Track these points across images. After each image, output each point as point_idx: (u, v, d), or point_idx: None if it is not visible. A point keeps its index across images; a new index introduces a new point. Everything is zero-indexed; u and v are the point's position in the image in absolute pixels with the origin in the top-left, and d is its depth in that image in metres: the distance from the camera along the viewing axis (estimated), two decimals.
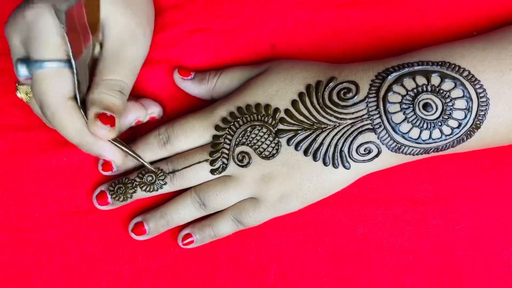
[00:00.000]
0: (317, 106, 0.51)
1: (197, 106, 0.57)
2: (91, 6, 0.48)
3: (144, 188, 0.54)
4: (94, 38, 0.49)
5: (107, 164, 0.56)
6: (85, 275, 0.57)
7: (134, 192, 0.55)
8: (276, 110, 0.51)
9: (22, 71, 0.47)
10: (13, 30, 0.48)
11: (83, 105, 0.48)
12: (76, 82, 0.47)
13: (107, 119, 0.48)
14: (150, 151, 0.55)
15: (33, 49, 0.47)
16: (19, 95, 0.49)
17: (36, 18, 0.46)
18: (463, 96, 0.48)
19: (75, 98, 0.48)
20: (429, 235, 0.55)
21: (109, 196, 0.55)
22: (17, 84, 0.50)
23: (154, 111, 0.56)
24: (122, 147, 0.50)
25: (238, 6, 0.57)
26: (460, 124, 0.48)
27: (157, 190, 0.54)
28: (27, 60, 0.47)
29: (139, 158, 0.52)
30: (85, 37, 0.47)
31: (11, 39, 0.49)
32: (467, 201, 0.55)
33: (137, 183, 0.54)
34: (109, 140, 0.49)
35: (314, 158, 0.51)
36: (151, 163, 0.55)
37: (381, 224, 0.56)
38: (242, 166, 0.52)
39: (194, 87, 0.57)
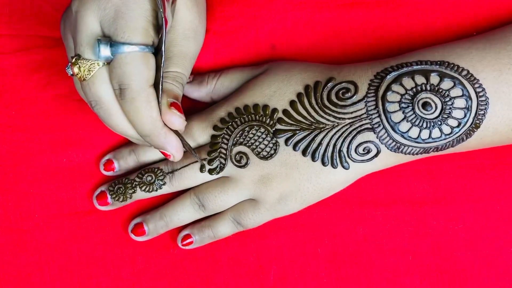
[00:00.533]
0: (316, 106, 0.51)
1: (198, 109, 0.57)
2: None
3: (143, 188, 0.54)
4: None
5: (109, 164, 0.56)
6: (84, 276, 0.57)
7: (134, 192, 0.55)
8: (274, 110, 0.51)
9: (105, 52, 0.45)
10: (90, 7, 0.46)
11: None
12: (162, 70, 0.47)
13: (179, 108, 0.48)
14: (152, 152, 0.55)
15: (121, 31, 0.45)
16: (77, 71, 0.47)
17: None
18: (462, 95, 0.48)
19: (154, 86, 0.47)
20: (428, 235, 0.55)
21: (109, 197, 0.56)
22: (75, 60, 0.48)
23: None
24: (184, 142, 0.50)
25: (238, 7, 0.57)
26: (459, 123, 0.48)
27: (156, 190, 0.54)
28: (110, 42, 0.46)
29: (196, 156, 0.52)
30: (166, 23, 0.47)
31: (87, 16, 0.46)
32: (466, 201, 0.55)
33: (136, 183, 0.55)
34: (176, 134, 0.49)
35: (313, 158, 0.50)
36: (152, 164, 0.55)
37: (381, 224, 0.56)
38: (240, 167, 0.52)
39: (193, 90, 0.57)
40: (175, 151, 0.49)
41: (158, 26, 0.47)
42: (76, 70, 0.47)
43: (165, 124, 0.48)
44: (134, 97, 0.46)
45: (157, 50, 0.47)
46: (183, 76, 0.51)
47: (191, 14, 0.51)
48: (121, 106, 0.47)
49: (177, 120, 0.48)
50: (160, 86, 0.47)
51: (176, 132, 0.49)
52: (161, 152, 0.50)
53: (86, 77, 0.47)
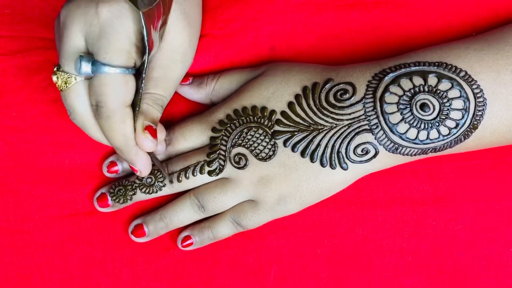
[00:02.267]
0: (314, 108, 0.51)
1: (198, 111, 0.57)
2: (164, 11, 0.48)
3: (143, 190, 0.54)
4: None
5: (112, 166, 0.57)
6: (85, 277, 0.57)
7: (134, 194, 0.55)
8: (272, 112, 0.51)
9: (86, 68, 0.46)
10: (78, 21, 0.46)
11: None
12: (141, 91, 0.47)
13: (153, 132, 0.49)
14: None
15: (103, 52, 0.45)
16: (55, 80, 0.48)
17: (112, 18, 0.45)
18: (460, 96, 0.48)
19: (132, 106, 0.48)
20: (428, 235, 0.55)
21: (109, 198, 0.56)
22: (56, 69, 0.48)
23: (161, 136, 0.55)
24: (153, 160, 0.52)
25: (237, 10, 0.57)
26: (457, 124, 0.48)
27: (156, 192, 0.54)
28: (92, 60, 0.46)
29: (166, 174, 0.54)
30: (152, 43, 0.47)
31: (73, 30, 0.47)
32: (466, 201, 0.55)
33: (136, 185, 0.55)
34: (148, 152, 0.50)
35: (312, 159, 0.51)
36: (153, 165, 0.56)
37: (380, 225, 0.56)
38: (239, 168, 0.52)
39: (193, 92, 0.57)
40: (143, 168, 0.51)
41: (143, 49, 0.47)
42: (55, 79, 0.48)
43: None
44: (109, 116, 0.47)
45: (139, 72, 0.47)
46: (164, 98, 0.52)
47: (182, 37, 0.51)
48: (97, 120, 0.48)
49: (148, 144, 0.49)
50: (137, 108, 0.48)
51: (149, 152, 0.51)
52: (129, 166, 0.51)
53: (63, 89, 0.48)
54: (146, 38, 0.45)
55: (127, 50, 0.46)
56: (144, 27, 0.44)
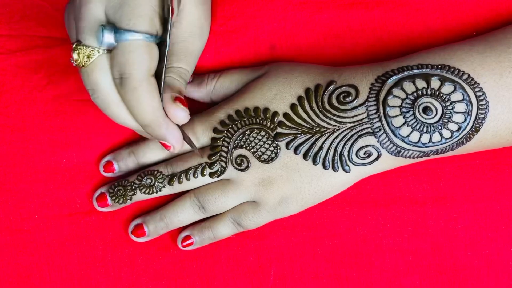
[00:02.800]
0: (317, 110, 0.51)
1: (198, 109, 0.57)
2: None
3: (143, 191, 0.54)
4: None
5: (108, 166, 0.56)
6: (84, 277, 0.57)
7: (134, 194, 0.55)
8: (275, 113, 0.51)
9: (108, 38, 0.45)
10: None
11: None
12: (166, 59, 0.47)
13: (183, 101, 0.48)
14: (152, 153, 0.55)
15: (126, 18, 0.45)
16: (76, 57, 0.47)
17: None
18: (462, 100, 0.48)
19: (156, 76, 0.47)
20: (428, 235, 0.55)
21: (108, 198, 0.56)
22: (75, 45, 0.47)
23: None
24: (185, 135, 0.50)
25: (238, 7, 0.56)
26: (459, 127, 0.48)
27: (156, 192, 0.54)
28: (115, 28, 0.45)
29: (197, 151, 0.53)
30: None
31: (91, 3, 0.46)
32: (466, 201, 0.55)
33: (136, 186, 0.55)
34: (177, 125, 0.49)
35: (314, 161, 0.50)
36: (153, 165, 0.55)
37: (381, 225, 0.56)
38: (240, 170, 0.52)
39: (193, 91, 0.56)
40: (175, 142, 0.49)
41: (164, 18, 0.46)
42: (75, 56, 0.47)
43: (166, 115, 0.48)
44: (135, 87, 0.45)
45: (161, 41, 0.47)
46: (187, 72, 0.51)
47: (198, 11, 0.52)
48: (122, 95, 0.47)
49: (181, 113, 0.48)
50: (163, 77, 0.47)
51: (178, 126, 0.49)
52: (161, 143, 0.50)
53: (85, 64, 0.47)
54: (167, 4, 0.45)
55: (150, 16, 0.45)
56: None
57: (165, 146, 0.50)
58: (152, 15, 0.45)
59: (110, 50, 0.46)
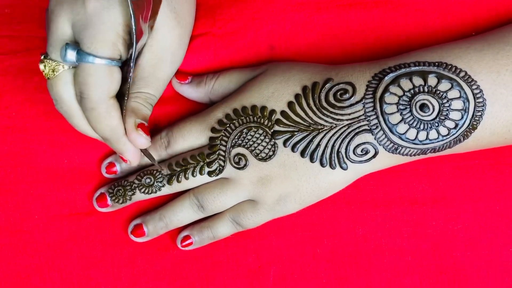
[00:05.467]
0: (314, 108, 0.51)
1: (197, 110, 0.57)
2: (154, 6, 0.48)
3: (142, 190, 0.54)
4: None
5: (111, 167, 0.57)
6: (84, 277, 0.57)
7: (133, 194, 0.55)
8: (272, 111, 0.51)
9: (70, 56, 0.46)
10: (64, 9, 0.47)
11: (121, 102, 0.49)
12: (129, 82, 0.48)
13: (145, 129, 0.50)
14: (153, 153, 0.55)
15: (88, 41, 0.46)
16: (42, 68, 0.49)
17: (99, 9, 0.46)
18: (459, 97, 0.48)
19: (117, 97, 0.49)
20: (428, 235, 0.55)
21: (108, 199, 0.56)
22: (43, 57, 0.49)
23: None
24: (147, 153, 0.52)
25: (236, 9, 0.57)
26: (457, 125, 0.48)
27: (155, 192, 0.54)
28: (78, 49, 0.46)
29: (155, 163, 0.54)
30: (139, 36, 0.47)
31: (59, 18, 0.47)
32: (465, 201, 0.55)
33: (136, 185, 0.55)
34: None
35: (311, 159, 0.51)
36: (153, 165, 0.56)
37: (380, 225, 0.55)
38: (239, 168, 0.52)
39: (192, 91, 0.57)
40: (131, 158, 0.51)
41: (130, 42, 0.47)
42: (42, 67, 0.49)
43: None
44: (93, 107, 0.47)
45: (126, 63, 0.48)
46: (154, 98, 0.53)
47: (171, 36, 0.52)
48: (82, 111, 0.48)
49: (142, 140, 0.50)
50: (126, 98, 0.48)
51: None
52: (119, 156, 0.52)
53: (50, 76, 0.48)
54: (134, 27, 0.45)
55: (112, 42, 0.46)
56: (132, 15, 0.44)
57: (122, 158, 0.52)
58: (115, 40, 0.46)
59: (75, 66, 0.47)
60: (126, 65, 0.48)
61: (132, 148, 0.51)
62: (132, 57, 0.47)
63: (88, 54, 0.46)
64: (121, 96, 0.49)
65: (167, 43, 0.52)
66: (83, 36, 0.46)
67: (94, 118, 0.48)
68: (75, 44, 0.47)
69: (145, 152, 0.52)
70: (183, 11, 0.53)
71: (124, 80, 0.48)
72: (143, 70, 0.51)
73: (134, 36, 0.46)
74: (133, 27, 0.45)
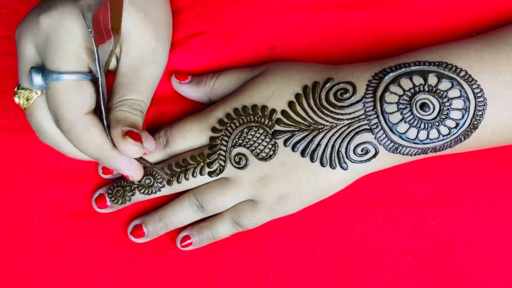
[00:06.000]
0: (314, 107, 0.51)
1: (196, 110, 0.57)
2: (113, 9, 0.46)
3: (142, 191, 0.54)
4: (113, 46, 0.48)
5: (107, 168, 0.56)
6: (84, 278, 0.57)
7: (133, 195, 0.55)
8: (273, 111, 0.51)
9: (37, 80, 0.45)
10: (25, 35, 0.46)
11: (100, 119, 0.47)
12: (102, 94, 0.46)
13: (135, 136, 0.47)
14: (151, 155, 0.55)
15: (50, 59, 0.45)
16: (17, 100, 0.47)
17: (53, 25, 0.45)
18: (460, 96, 0.48)
19: (96, 111, 0.47)
20: (428, 236, 0.55)
21: (108, 199, 0.56)
22: (16, 89, 0.48)
23: (149, 146, 0.53)
24: (141, 161, 0.50)
25: (236, 8, 0.57)
26: (457, 124, 0.48)
27: (155, 192, 0.54)
28: (42, 70, 0.45)
29: (159, 171, 0.53)
30: (106, 44, 0.46)
31: (23, 44, 0.47)
32: (465, 201, 0.55)
33: (135, 186, 0.55)
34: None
35: (312, 159, 0.50)
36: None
37: (380, 225, 0.55)
38: (239, 168, 0.52)
39: (192, 91, 0.57)
40: (130, 172, 0.49)
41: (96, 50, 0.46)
42: (16, 100, 0.47)
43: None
44: (69, 127, 0.45)
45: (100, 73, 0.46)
46: (141, 102, 0.50)
47: (146, 36, 0.51)
48: (63, 134, 0.47)
49: (132, 149, 0.47)
50: (103, 111, 0.46)
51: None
52: (120, 173, 0.50)
53: (26, 107, 0.47)
54: (89, 29, 0.44)
55: (75, 54, 0.45)
56: (85, 19, 0.43)
57: (124, 176, 0.50)
58: (77, 51, 0.45)
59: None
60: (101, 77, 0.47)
61: (126, 161, 0.48)
62: (97, 61, 0.45)
63: (52, 72, 0.44)
64: (99, 110, 0.47)
65: (143, 44, 0.50)
66: (45, 54, 0.45)
67: (74, 138, 0.46)
68: (41, 67, 0.46)
69: (141, 160, 0.50)
70: (152, 7, 0.52)
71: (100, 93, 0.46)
72: (124, 77, 0.50)
73: (93, 38, 0.44)
74: (89, 28, 0.44)
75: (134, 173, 0.50)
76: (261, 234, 0.56)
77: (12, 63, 0.58)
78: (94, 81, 0.46)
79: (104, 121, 0.47)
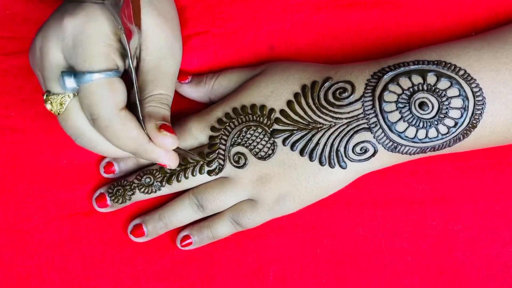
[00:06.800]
0: (313, 106, 0.51)
1: (196, 109, 0.57)
2: (134, 7, 0.47)
3: (142, 190, 0.54)
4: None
5: (109, 167, 0.56)
6: (84, 277, 0.57)
7: (133, 194, 0.55)
8: (271, 110, 0.51)
9: (69, 83, 0.45)
10: (50, 40, 0.46)
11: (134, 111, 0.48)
12: (136, 89, 0.47)
13: (169, 129, 0.48)
14: None
15: (81, 60, 0.45)
16: (49, 107, 0.47)
17: (80, 26, 0.45)
18: (459, 95, 0.48)
19: (129, 106, 0.47)
20: (427, 235, 0.55)
21: (108, 199, 0.56)
22: (46, 96, 0.48)
23: None
24: (178, 150, 0.51)
25: (236, 8, 0.57)
26: (456, 123, 0.48)
27: (155, 192, 0.54)
28: (74, 72, 0.45)
29: (193, 156, 0.53)
30: (132, 41, 0.47)
31: (49, 50, 0.47)
32: (465, 201, 0.55)
33: (135, 185, 0.55)
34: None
35: (310, 158, 0.51)
36: (152, 165, 0.56)
37: (380, 225, 0.55)
38: (238, 167, 0.52)
39: (192, 91, 0.57)
40: (168, 161, 0.50)
41: (123, 49, 0.46)
42: (49, 106, 0.47)
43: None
44: (107, 125, 0.46)
45: (127, 71, 0.47)
46: (168, 96, 0.51)
47: (163, 32, 0.51)
48: (100, 133, 0.47)
49: (168, 141, 0.48)
50: (137, 104, 0.47)
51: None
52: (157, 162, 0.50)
53: (60, 112, 0.48)
54: (120, 26, 0.44)
55: (104, 53, 0.46)
56: (114, 16, 0.44)
57: (160, 165, 0.50)
58: (106, 50, 0.46)
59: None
60: (128, 73, 0.48)
61: (163, 152, 0.49)
62: (129, 58, 0.46)
63: (84, 73, 0.45)
64: (134, 105, 0.48)
65: (161, 40, 0.51)
66: (75, 57, 0.45)
67: (112, 135, 0.47)
68: (71, 69, 0.46)
69: (179, 150, 0.51)
70: (163, 6, 0.52)
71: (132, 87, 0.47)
72: (148, 74, 0.50)
73: (125, 37, 0.45)
74: (120, 25, 0.44)
75: (172, 162, 0.50)
76: (261, 234, 0.56)
77: (13, 63, 0.58)
78: (124, 77, 0.47)
79: (140, 114, 0.48)
